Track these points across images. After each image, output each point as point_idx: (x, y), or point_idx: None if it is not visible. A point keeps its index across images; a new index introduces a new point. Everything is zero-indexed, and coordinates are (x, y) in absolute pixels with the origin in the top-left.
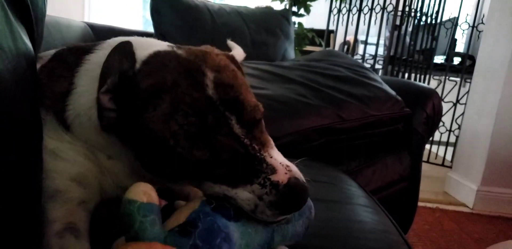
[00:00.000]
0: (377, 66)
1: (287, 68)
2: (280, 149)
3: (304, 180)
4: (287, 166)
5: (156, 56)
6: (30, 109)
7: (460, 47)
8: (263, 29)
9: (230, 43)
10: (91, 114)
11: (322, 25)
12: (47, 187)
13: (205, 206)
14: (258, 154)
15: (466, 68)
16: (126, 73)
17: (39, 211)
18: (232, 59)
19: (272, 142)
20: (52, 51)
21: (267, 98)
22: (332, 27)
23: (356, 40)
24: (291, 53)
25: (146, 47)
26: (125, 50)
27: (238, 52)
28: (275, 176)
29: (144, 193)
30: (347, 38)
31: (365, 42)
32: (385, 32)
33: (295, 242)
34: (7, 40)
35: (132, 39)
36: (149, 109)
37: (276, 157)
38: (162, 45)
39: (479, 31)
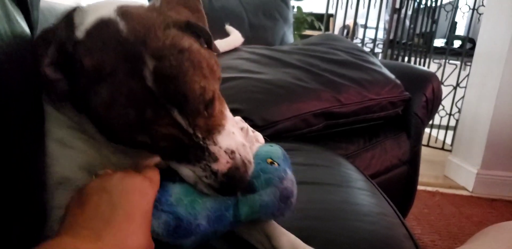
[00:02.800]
0: (376, 50)
1: (285, 53)
2: (279, 134)
3: (248, 166)
4: (232, 152)
5: (98, 27)
6: (30, 91)
7: (460, 30)
8: (261, 13)
9: (229, 28)
10: None
11: (321, 9)
12: (55, 173)
13: None
14: (201, 143)
15: (466, 51)
16: (65, 45)
17: (43, 197)
18: (187, 26)
19: (224, 122)
20: None
21: (265, 83)
22: (331, 11)
23: (355, 24)
24: (290, 37)
25: (95, 9)
26: (64, 17)
27: (236, 36)
28: (216, 165)
29: None
30: (347, 22)
31: (365, 26)
32: (384, 16)
33: (272, 215)
34: (2, 23)
35: (92, 2)
36: (91, 93)
37: (223, 143)
38: (109, 8)
39: (480, 14)
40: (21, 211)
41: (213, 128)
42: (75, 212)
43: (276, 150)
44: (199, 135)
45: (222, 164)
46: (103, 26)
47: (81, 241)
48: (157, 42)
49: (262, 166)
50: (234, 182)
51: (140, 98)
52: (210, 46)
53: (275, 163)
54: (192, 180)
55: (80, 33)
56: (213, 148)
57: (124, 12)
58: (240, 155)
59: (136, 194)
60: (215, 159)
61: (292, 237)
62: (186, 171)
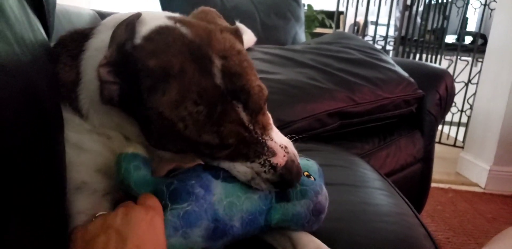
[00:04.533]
0: (388, 47)
1: (298, 52)
2: (294, 134)
3: (299, 160)
4: (285, 147)
5: (159, 33)
6: (52, 99)
7: (471, 26)
8: (273, 13)
9: (241, 26)
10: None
11: (332, 7)
12: (73, 179)
13: (198, 166)
14: (260, 138)
15: (477, 47)
16: (124, 47)
17: (65, 203)
18: (236, 33)
19: (271, 121)
20: None
21: (279, 83)
22: (342, 8)
23: (366, 21)
24: (302, 36)
25: (149, 20)
26: (127, 22)
27: (249, 36)
28: (275, 159)
29: (130, 149)
30: (357, 19)
31: (376, 23)
32: (395, 13)
33: (301, 226)
34: (28, 33)
35: (129, 14)
36: (157, 92)
37: (276, 139)
38: (162, 19)
39: (491, 9)
40: (41, 217)
41: (267, 124)
42: None
43: (312, 164)
44: (258, 131)
45: (280, 158)
46: (164, 31)
47: None
48: (220, 44)
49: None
50: (292, 174)
51: (211, 95)
52: None
53: (311, 176)
54: (249, 176)
55: (137, 39)
56: (270, 143)
57: (180, 20)
58: (291, 149)
59: (143, 226)
60: (274, 153)
61: (319, 243)
62: (242, 167)
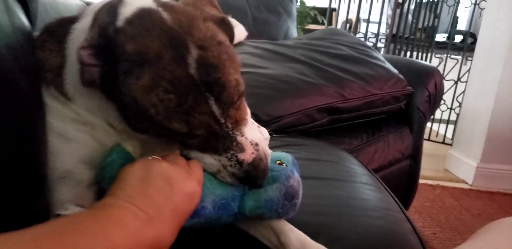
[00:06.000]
0: (379, 44)
1: (289, 47)
2: (283, 129)
3: (268, 158)
4: (256, 144)
5: (141, 16)
6: (30, 85)
7: (462, 25)
8: (265, 8)
9: (232, 20)
10: None
11: (324, 3)
12: (57, 168)
13: None
14: (231, 133)
15: (467, 46)
16: (106, 30)
17: (46, 193)
18: (221, 22)
19: (247, 117)
20: None
21: (269, 78)
22: (334, 5)
23: (358, 18)
24: (294, 31)
25: (132, 2)
26: (110, 5)
27: (240, 30)
28: (242, 155)
29: (128, 146)
30: (349, 16)
31: (368, 21)
32: (387, 10)
33: (275, 212)
34: (3, 17)
35: None
36: (132, 77)
37: (248, 135)
38: (147, 1)
39: (481, 9)
40: (23, 207)
41: (240, 119)
42: (137, 185)
43: (286, 155)
44: (229, 125)
45: (248, 154)
46: (144, 15)
47: (134, 218)
48: (200, 33)
49: (271, 166)
50: (258, 172)
51: (183, 85)
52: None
53: (283, 164)
54: (215, 169)
55: (119, 22)
56: (240, 138)
57: (163, 4)
58: (262, 148)
59: (187, 195)
60: (242, 149)
61: (300, 233)
62: (210, 159)
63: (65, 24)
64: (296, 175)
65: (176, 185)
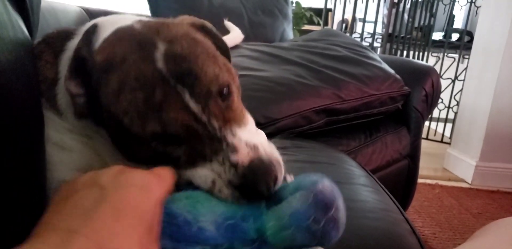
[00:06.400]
0: (375, 44)
1: (285, 49)
2: (280, 131)
3: (275, 162)
4: (254, 146)
5: (115, 33)
6: (31, 100)
7: (458, 23)
8: (261, 10)
9: (228, 24)
10: None
11: (320, 4)
12: (54, 178)
13: None
14: (217, 133)
15: (464, 44)
16: (80, 53)
17: (45, 202)
18: (201, 27)
19: (245, 120)
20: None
21: (266, 80)
22: (330, 5)
23: (354, 18)
24: (290, 33)
25: (116, 24)
26: (86, 32)
27: (236, 34)
28: (235, 155)
29: None
30: (345, 16)
31: (363, 20)
32: (383, 10)
33: (309, 232)
34: (7, 31)
35: (108, 18)
36: (102, 85)
37: (242, 135)
38: (127, 21)
39: (477, 7)
40: (22, 217)
41: (231, 119)
42: (54, 208)
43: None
44: (215, 124)
45: (243, 155)
46: (119, 31)
47: None
48: (170, 31)
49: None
50: (258, 175)
51: (149, 79)
52: (229, 58)
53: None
54: (209, 181)
55: (97, 43)
56: (231, 138)
57: (140, 20)
58: (265, 151)
59: (133, 190)
60: (234, 149)
61: None
62: (203, 171)
63: (63, 37)
64: (327, 181)
65: (110, 185)
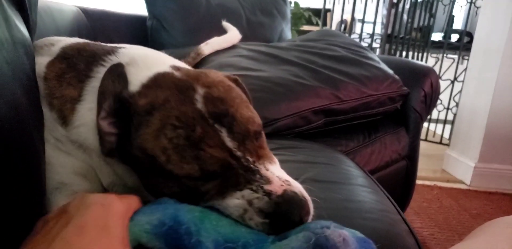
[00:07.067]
0: (374, 44)
1: (283, 49)
2: (278, 131)
3: (307, 201)
4: (286, 180)
5: (155, 79)
6: (28, 98)
7: (458, 24)
8: (259, 10)
9: (226, 24)
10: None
11: (318, 4)
12: (52, 179)
13: None
14: (252, 166)
15: (463, 45)
16: (121, 95)
17: (43, 202)
18: (235, 80)
19: (275, 160)
20: (53, 39)
21: (264, 81)
22: (328, 6)
23: (353, 19)
24: (288, 33)
25: (150, 66)
26: (117, 73)
27: (234, 33)
28: (269, 186)
29: None
30: (344, 17)
31: (362, 21)
32: (382, 10)
33: None
34: (2, 30)
35: (139, 54)
36: (142, 127)
37: (274, 171)
38: (165, 65)
39: (477, 7)
40: (21, 216)
41: (264, 156)
42: (26, 245)
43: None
44: (249, 158)
45: (277, 186)
46: (159, 77)
47: None
48: (207, 79)
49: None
50: (291, 204)
51: (189, 118)
52: None
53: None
54: (241, 210)
55: (135, 87)
56: (264, 172)
57: (179, 68)
58: (297, 186)
59: (95, 208)
60: (268, 181)
61: None
62: (233, 201)
63: (89, 60)
64: (339, 231)
65: (73, 209)
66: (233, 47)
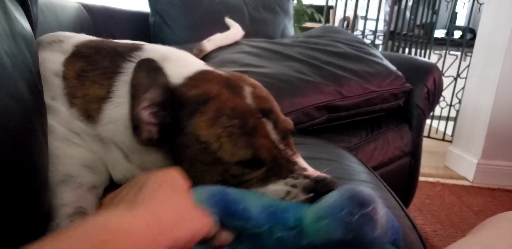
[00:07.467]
0: (377, 41)
1: (286, 46)
2: None
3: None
4: (315, 170)
5: (201, 73)
6: (30, 91)
7: (460, 21)
8: (262, 6)
9: (228, 20)
10: (129, 124)
11: (321, 1)
12: (59, 171)
13: None
14: (291, 158)
15: (466, 42)
16: (170, 86)
17: (48, 196)
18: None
19: (300, 156)
20: (59, 34)
21: (267, 77)
22: (331, 2)
23: (355, 15)
24: (291, 30)
25: (185, 64)
26: (153, 67)
27: (236, 30)
28: (307, 172)
29: None
30: (347, 13)
31: (365, 18)
32: (385, 7)
33: (342, 223)
34: (2, 23)
35: (171, 52)
36: (196, 115)
37: (305, 165)
38: (199, 63)
39: (480, 4)
40: (23, 210)
41: (296, 152)
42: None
43: None
44: (289, 152)
45: (313, 172)
46: (204, 72)
47: (115, 214)
48: (250, 81)
49: None
50: (327, 179)
51: (243, 111)
52: None
53: None
54: (283, 192)
55: (178, 80)
56: (301, 163)
57: (216, 67)
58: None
59: (160, 175)
60: (304, 169)
61: None
62: (274, 187)
63: (113, 57)
64: (369, 190)
65: (146, 182)
66: (235, 43)
